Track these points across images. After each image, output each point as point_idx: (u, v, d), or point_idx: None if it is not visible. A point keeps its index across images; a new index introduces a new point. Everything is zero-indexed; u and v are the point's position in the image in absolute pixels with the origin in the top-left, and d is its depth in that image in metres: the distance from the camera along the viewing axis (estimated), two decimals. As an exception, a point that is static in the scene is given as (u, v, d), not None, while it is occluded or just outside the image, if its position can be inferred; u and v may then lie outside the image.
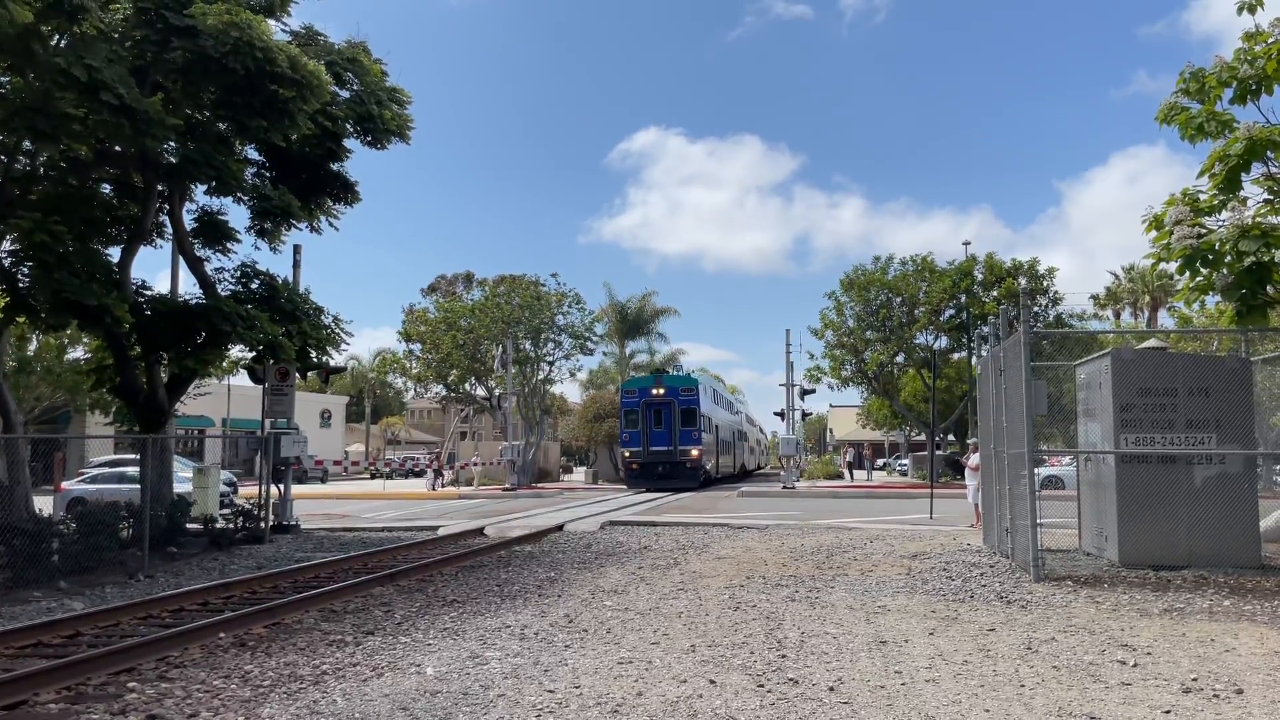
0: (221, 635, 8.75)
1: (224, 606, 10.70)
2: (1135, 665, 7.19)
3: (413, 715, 6.12)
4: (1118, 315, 60.91)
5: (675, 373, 48.95)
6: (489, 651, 7.99)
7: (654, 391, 41.16)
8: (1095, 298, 58.98)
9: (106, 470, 26.09)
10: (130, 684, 7.02)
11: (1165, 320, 55.99)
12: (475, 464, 44.64)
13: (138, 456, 19.74)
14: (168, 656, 7.91)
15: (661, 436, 40.28)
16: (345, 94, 18.57)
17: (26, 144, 15.20)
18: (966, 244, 50.25)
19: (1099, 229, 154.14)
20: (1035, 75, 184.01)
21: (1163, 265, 12.24)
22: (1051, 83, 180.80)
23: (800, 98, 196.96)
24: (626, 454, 41.06)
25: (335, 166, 19.72)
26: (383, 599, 11.00)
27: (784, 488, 37.60)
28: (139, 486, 16.61)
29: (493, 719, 6.01)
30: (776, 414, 44.93)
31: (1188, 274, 11.54)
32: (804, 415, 46.32)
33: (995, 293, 40.64)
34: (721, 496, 34.42)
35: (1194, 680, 6.72)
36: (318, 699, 6.56)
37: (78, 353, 31.46)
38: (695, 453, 40.15)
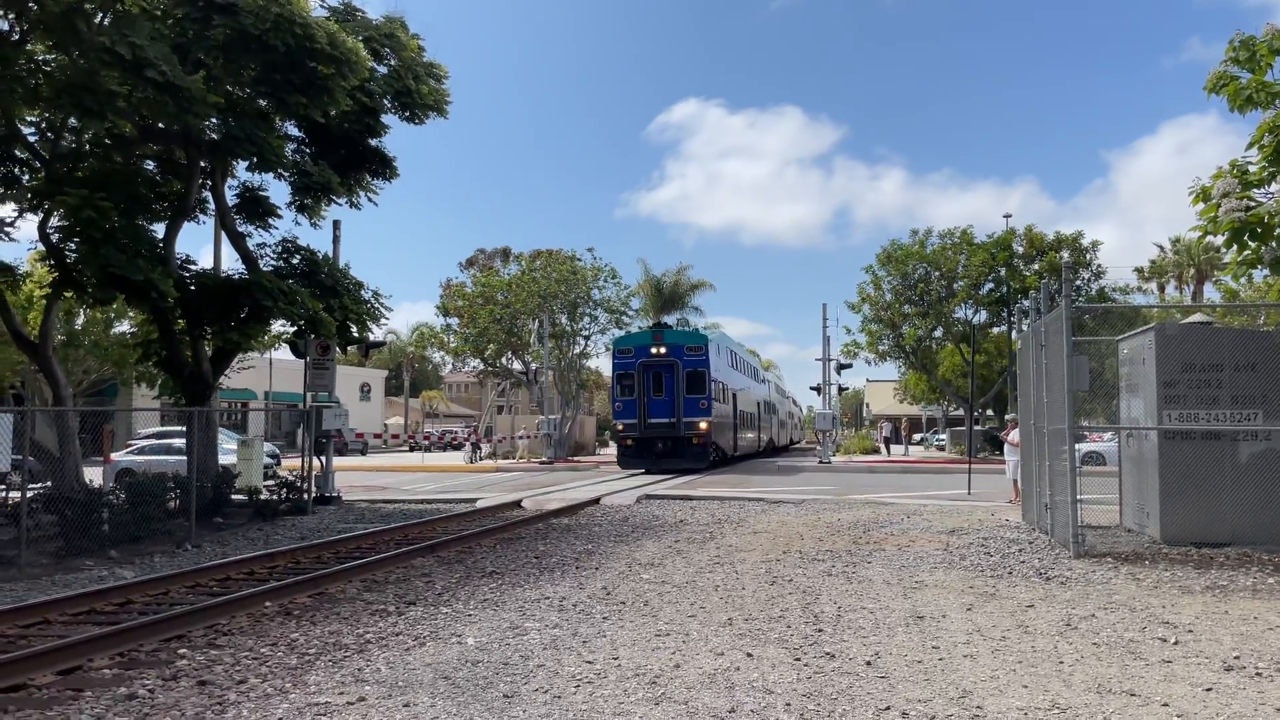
0: (267, 604, 8.94)
1: (269, 576, 10.93)
2: (1176, 643, 7.15)
3: (455, 684, 6.24)
4: (1162, 289, 59.81)
5: (682, 328, 42.29)
6: (528, 622, 8.11)
7: (653, 350, 33.52)
8: (1139, 271, 58.00)
9: (154, 442, 26.66)
10: (181, 651, 7.22)
11: (1211, 294, 54.94)
12: (522, 438, 44.83)
13: (184, 429, 20.12)
14: (216, 624, 8.11)
15: (662, 406, 33.07)
16: (383, 70, 18.66)
17: (73, 121, 15.46)
18: (1007, 216, 49.72)
19: (1147, 200, 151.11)
20: (1084, 43, 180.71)
21: (1209, 238, 12.03)
22: (1101, 50, 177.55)
23: (843, 68, 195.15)
24: (620, 427, 34.01)
25: (373, 142, 19.86)
26: (423, 570, 11.18)
27: (820, 462, 37.56)
28: (185, 458, 16.96)
29: (532, 689, 6.11)
30: (813, 388, 44.80)
31: (1235, 247, 11.33)
32: (840, 390, 46.11)
33: (1036, 266, 40.14)
34: (752, 473, 34.42)
35: (1236, 658, 6.67)
36: (362, 667, 6.71)
37: (124, 326, 32.06)
38: (704, 425, 32.98)
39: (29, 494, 13.47)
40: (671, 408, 33.08)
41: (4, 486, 15.80)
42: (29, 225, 17.48)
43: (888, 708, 5.64)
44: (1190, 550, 11.38)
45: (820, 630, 7.67)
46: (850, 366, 45.03)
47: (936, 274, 42.52)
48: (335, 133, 18.84)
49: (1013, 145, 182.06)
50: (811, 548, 12.53)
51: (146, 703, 5.91)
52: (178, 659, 6.98)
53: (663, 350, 33.58)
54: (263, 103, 16.81)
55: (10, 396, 27.16)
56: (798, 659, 6.78)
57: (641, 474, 31.70)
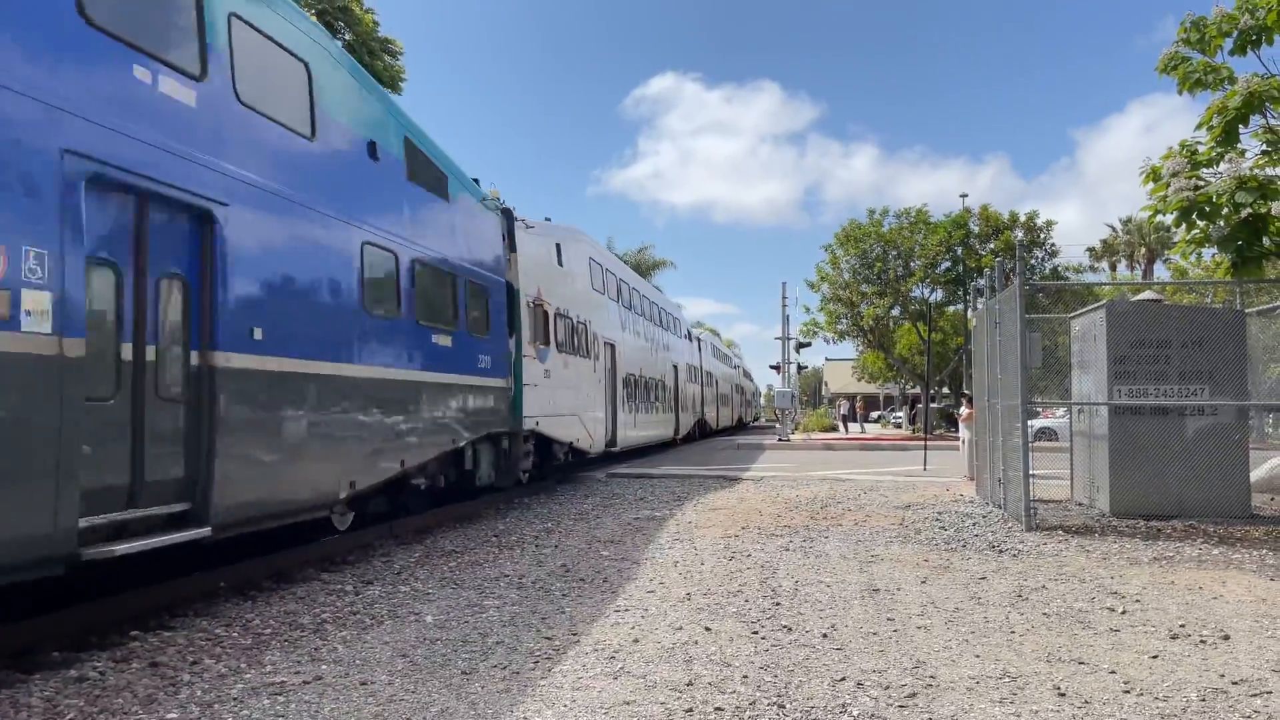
0: (222, 584, 8.83)
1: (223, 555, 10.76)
2: (1124, 612, 7.31)
3: (413, 662, 6.21)
4: (1114, 267, 60.91)
5: None
6: (487, 600, 8.09)
7: None
8: (1092, 250, 58.96)
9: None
10: (133, 632, 7.10)
11: (1161, 273, 56.02)
12: None
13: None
14: (169, 605, 7.99)
15: None
16: (337, 44, 18.39)
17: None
18: (963, 196, 50.15)
19: (1112, 179, 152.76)
20: (1058, 21, 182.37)
21: (1160, 217, 12.25)
22: (1074, 28, 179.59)
23: (824, 44, 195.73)
24: None
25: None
26: (381, 550, 11.10)
27: (779, 440, 37.82)
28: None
29: (491, 665, 6.10)
30: (772, 367, 44.97)
31: (1184, 226, 11.57)
32: (799, 369, 46.40)
33: (992, 245, 40.64)
34: (717, 448, 34.57)
35: (1181, 626, 6.84)
36: (319, 646, 6.66)
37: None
38: None
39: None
40: None
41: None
42: None
43: (843, 678, 5.71)
44: (1139, 523, 11.63)
45: (778, 604, 7.74)
46: (809, 345, 45.35)
47: (893, 253, 42.89)
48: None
49: (985, 122, 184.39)
50: (770, 524, 12.63)
51: (98, 684, 5.82)
52: (129, 640, 6.88)
53: None
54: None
55: None
56: (755, 632, 6.84)
57: None
